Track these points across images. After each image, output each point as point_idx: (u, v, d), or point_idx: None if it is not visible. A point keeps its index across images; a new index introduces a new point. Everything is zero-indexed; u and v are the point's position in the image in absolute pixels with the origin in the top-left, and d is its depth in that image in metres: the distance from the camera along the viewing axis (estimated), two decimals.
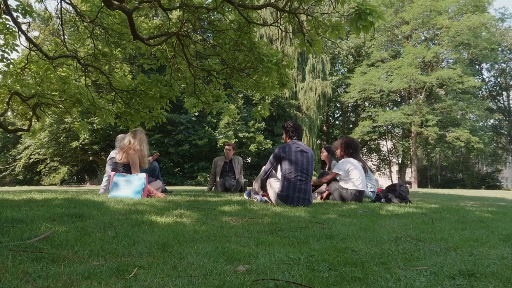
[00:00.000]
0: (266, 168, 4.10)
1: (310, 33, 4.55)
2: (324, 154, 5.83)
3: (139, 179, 4.18)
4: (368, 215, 3.10)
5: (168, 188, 8.26)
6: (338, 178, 4.67)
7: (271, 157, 4.06)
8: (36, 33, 19.79)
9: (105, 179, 5.46)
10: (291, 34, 25.49)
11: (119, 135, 5.45)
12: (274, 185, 3.97)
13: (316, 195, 5.11)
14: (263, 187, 4.25)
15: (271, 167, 4.05)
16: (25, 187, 14.66)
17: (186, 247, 1.66)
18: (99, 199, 3.69)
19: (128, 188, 4.12)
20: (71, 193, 5.08)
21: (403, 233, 2.18)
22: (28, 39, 6.42)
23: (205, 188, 8.34)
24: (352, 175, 4.54)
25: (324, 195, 4.87)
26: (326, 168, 5.79)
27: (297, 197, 3.79)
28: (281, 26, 5.36)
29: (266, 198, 4.19)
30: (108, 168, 5.34)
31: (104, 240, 1.75)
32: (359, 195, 4.52)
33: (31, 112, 8.04)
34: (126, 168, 4.46)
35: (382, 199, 4.74)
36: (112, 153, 5.39)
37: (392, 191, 4.81)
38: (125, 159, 4.46)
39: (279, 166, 4.05)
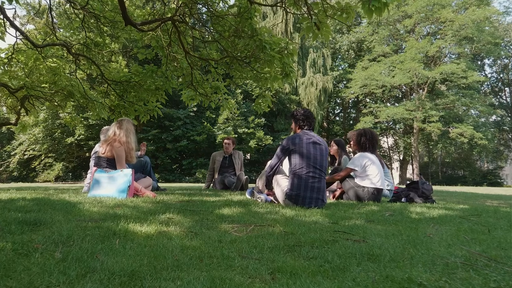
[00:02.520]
0: (272, 163, 3.48)
1: (318, 16, 3.98)
2: (333, 148, 5.25)
3: (124, 175, 3.58)
4: (399, 220, 2.53)
5: (164, 185, 7.70)
6: (353, 174, 4.10)
7: (278, 150, 3.44)
8: (31, 27, 19.22)
9: (88, 175, 4.84)
10: (291, 28, 24.92)
11: (105, 127, 4.84)
12: (282, 183, 3.37)
13: (328, 194, 4.54)
14: (268, 185, 3.66)
15: (278, 162, 3.44)
16: (20, 184, 14.03)
17: (165, 280, 1.08)
18: (75, 199, 3.11)
19: (111, 186, 3.53)
20: (51, 191, 4.50)
21: (466, 248, 1.61)
22: (13, 25, 5.91)
23: (203, 185, 7.77)
24: (370, 171, 3.96)
25: (337, 193, 4.30)
26: (336, 164, 5.22)
27: (309, 197, 3.20)
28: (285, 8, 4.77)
29: (271, 198, 3.61)
30: (91, 163, 4.73)
31: (44, 266, 1.17)
32: (377, 194, 3.95)
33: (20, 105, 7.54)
34: (110, 163, 3.86)
35: (403, 199, 4.17)
36: (97, 147, 4.76)
37: (414, 190, 4.23)
38: (110, 152, 3.86)
39: (287, 161, 3.46)
